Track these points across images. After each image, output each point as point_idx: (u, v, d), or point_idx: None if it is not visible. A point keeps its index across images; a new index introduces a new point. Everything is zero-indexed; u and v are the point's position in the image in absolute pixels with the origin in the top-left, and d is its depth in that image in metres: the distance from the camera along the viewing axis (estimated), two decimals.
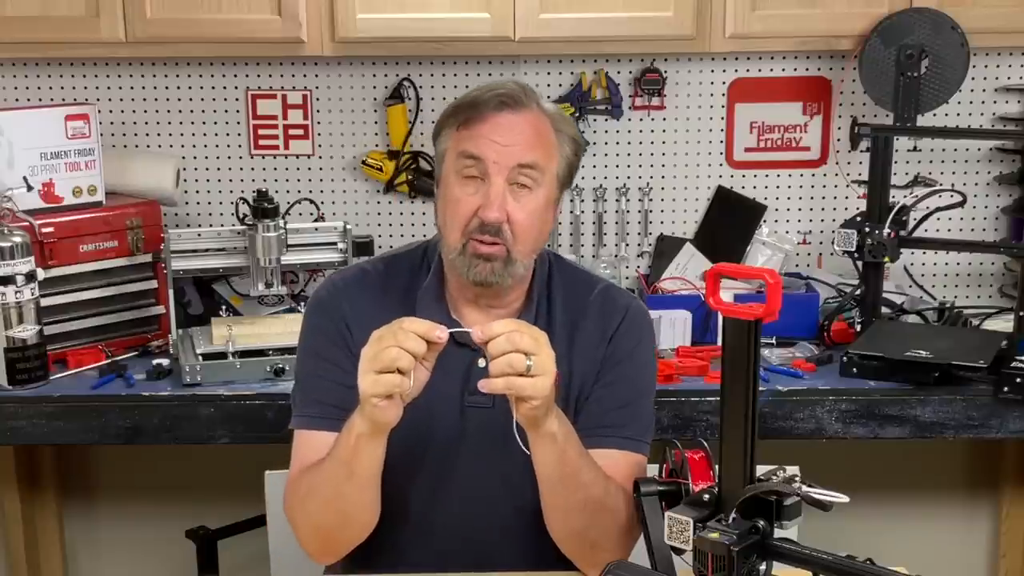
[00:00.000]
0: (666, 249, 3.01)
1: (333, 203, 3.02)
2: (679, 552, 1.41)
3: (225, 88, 2.98)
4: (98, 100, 2.94)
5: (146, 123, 2.99)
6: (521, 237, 1.71)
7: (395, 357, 1.49)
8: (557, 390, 1.68)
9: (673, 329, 2.67)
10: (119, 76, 2.96)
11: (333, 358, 1.77)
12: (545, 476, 1.66)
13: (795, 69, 2.98)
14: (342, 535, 1.73)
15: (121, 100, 2.97)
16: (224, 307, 2.84)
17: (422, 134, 2.97)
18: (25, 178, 2.59)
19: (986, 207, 3.05)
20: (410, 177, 2.96)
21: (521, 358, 1.49)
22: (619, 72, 2.97)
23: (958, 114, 2.97)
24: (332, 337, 1.78)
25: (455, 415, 1.75)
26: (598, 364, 1.79)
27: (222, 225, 2.87)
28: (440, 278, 1.80)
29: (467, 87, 2.94)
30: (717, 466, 1.41)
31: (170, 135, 3.00)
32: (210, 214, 3.03)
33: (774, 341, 2.66)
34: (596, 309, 1.82)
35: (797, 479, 1.35)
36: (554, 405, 1.60)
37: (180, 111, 2.99)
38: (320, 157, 3.02)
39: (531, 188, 1.71)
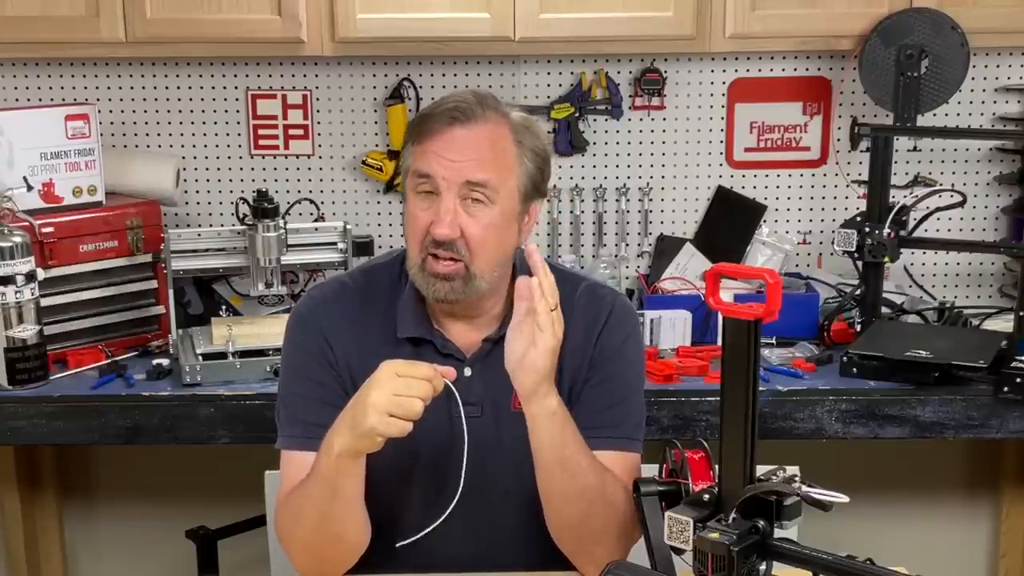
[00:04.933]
0: (666, 249, 3.01)
1: (333, 203, 3.02)
2: (679, 552, 1.41)
3: (225, 88, 2.98)
4: (98, 100, 2.94)
5: (146, 123, 2.99)
6: (477, 251, 1.69)
7: (418, 412, 1.52)
8: None
9: (673, 329, 2.67)
10: (119, 76, 2.96)
11: (315, 376, 1.77)
12: (544, 459, 1.65)
13: (795, 69, 2.98)
14: (335, 556, 1.72)
15: (121, 100, 2.97)
16: (224, 307, 2.84)
17: None
18: (25, 178, 2.59)
19: (986, 207, 3.05)
20: None
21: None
22: (619, 72, 2.97)
23: (958, 114, 2.97)
24: (313, 354, 1.78)
25: (445, 426, 1.74)
26: (587, 363, 1.79)
27: (222, 225, 2.87)
28: (418, 290, 1.79)
29: (467, 87, 2.95)
30: (717, 466, 1.41)
31: (170, 135, 3.00)
32: (210, 214, 3.03)
33: (774, 341, 2.66)
34: (581, 308, 1.81)
35: (797, 479, 1.35)
36: (554, 385, 1.61)
37: (180, 111, 2.99)
38: (320, 157, 3.02)
39: (485, 203, 1.68)
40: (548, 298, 1.56)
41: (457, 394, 1.63)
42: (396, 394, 1.52)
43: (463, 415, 1.67)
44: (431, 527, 1.70)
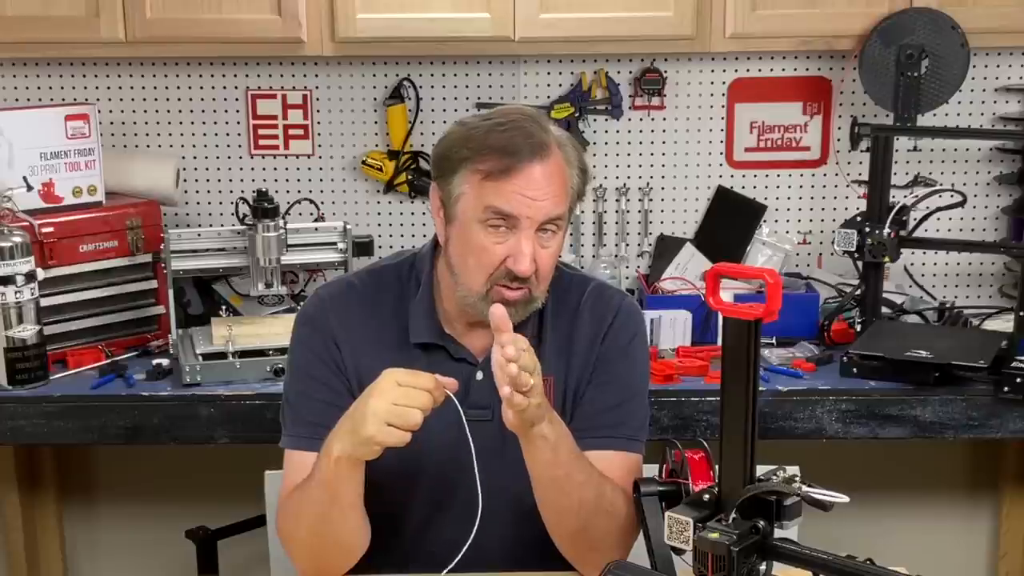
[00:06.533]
0: (666, 249, 3.01)
1: (333, 203, 3.02)
2: (679, 552, 1.41)
3: (225, 88, 2.98)
4: (98, 100, 2.94)
5: (146, 123, 2.99)
6: (544, 278, 1.71)
7: (417, 422, 1.52)
8: (551, 396, 1.68)
9: (673, 329, 2.67)
10: (119, 76, 2.96)
11: (321, 377, 1.77)
12: (538, 478, 1.65)
13: (795, 69, 2.98)
14: (334, 558, 1.72)
15: (121, 100, 2.97)
16: (224, 307, 2.84)
17: (422, 134, 2.97)
18: (25, 178, 2.59)
19: (986, 207, 3.04)
20: (410, 177, 2.96)
21: (527, 378, 1.50)
22: (619, 72, 2.97)
23: (958, 114, 2.97)
24: (320, 354, 1.77)
25: (454, 429, 1.72)
26: (592, 364, 1.79)
27: (222, 225, 2.87)
28: (430, 293, 1.79)
29: (467, 87, 2.96)
30: (717, 466, 1.41)
31: (170, 135, 3.00)
32: (210, 214, 3.03)
33: (774, 341, 2.66)
34: (588, 309, 1.82)
35: (797, 479, 1.35)
36: (547, 409, 1.60)
37: (180, 111, 2.99)
38: (320, 157, 3.01)
39: (554, 232, 1.70)
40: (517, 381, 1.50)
41: (459, 405, 1.63)
42: (396, 404, 1.52)
43: (466, 423, 1.66)
44: (466, 546, 1.67)
